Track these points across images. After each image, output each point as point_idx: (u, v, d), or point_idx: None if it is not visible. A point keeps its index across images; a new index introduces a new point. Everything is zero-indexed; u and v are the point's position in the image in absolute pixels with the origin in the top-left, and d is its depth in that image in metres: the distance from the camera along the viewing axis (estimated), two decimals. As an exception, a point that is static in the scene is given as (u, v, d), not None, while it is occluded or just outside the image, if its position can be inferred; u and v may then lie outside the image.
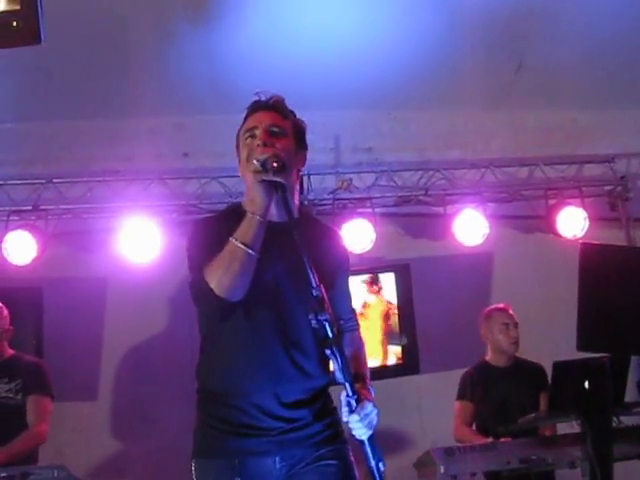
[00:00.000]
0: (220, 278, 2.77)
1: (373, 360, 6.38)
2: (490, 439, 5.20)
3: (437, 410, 6.42)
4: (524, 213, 7.07)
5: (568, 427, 5.25)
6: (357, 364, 3.02)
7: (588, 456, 4.68)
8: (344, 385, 2.70)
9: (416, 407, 6.71)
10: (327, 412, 2.95)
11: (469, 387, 5.73)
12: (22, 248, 6.23)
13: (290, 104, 3.12)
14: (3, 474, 4.63)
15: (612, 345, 5.02)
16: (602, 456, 4.62)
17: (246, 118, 3.09)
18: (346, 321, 3.11)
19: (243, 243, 2.76)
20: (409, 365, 6.50)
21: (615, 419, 4.86)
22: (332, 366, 2.71)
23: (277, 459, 2.87)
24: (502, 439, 5.13)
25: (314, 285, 2.65)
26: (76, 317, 6.45)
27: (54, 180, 6.53)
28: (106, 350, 6.61)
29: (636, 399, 5.33)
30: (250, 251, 2.76)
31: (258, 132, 2.98)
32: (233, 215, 2.98)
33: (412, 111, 6.88)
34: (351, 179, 6.83)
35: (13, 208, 6.44)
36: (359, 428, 2.74)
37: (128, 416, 6.58)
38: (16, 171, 6.59)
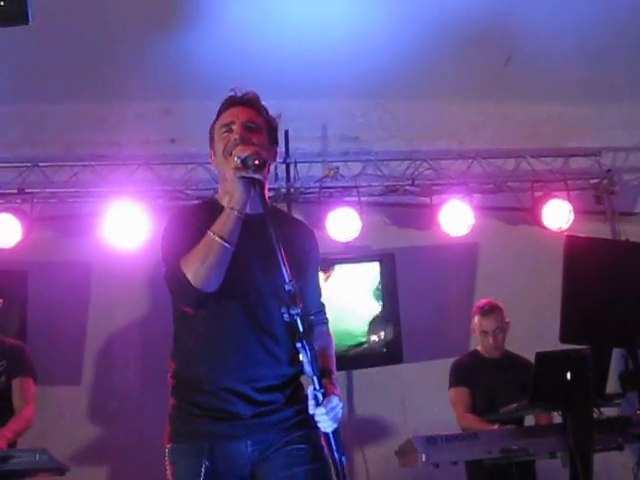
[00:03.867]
0: (197, 269, 2.82)
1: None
2: (497, 426, 5.21)
3: (420, 399, 6.46)
4: (510, 205, 7.09)
5: (550, 418, 5.28)
6: (324, 359, 3.05)
7: (568, 446, 4.69)
8: (312, 379, 2.76)
9: (399, 396, 6.72)
10: (298, 398, 2.99)
11: (463, 373, 5.75)
12: (7, 231, 6.20)
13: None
14: (-16, 457, 4.62)
15: (595, 337, 5.03)
16: (582, 447, 4.63)
17: (220, 113, 3.16)
18: (315, 315, 3.18)
19: (220, 237, 2.82)
20: (392, 354, 6.51)
21: (596, 410, 4.88)
22: (302, 359, 2.77)
23: (249, 443, 2.93)
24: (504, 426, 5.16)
25: (287, 280, 2.70)
26: (60, 301, 6.44)
27: (40, 164, 6.52)
28: (90, 334, 6.59)
29: (617, 391, 5.34)
30: (226, 244, 2.82)
31: (235, 127, 3.05)
32: (208, 208, 3.06)
33: (400, 101, 6.89)
34: (338, 168, 6.83)
35: (-2, 191, 6.42)
36: (325, 421, 2.79)
37: (111, 401, 6.58)
38: (2, 154, 6.58)
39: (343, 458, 2.80)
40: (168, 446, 3.00)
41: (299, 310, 2.69)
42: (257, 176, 2.84)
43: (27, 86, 6.30)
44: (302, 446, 2.96)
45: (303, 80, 6.19)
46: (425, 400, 6.16)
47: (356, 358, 6.47)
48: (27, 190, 6.44)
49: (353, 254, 6.74)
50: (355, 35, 6.11)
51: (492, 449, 4.83)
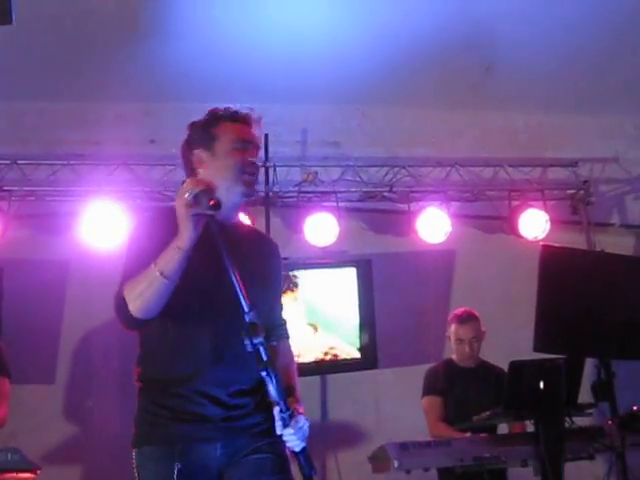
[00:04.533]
0: (134, 299, 2.82)
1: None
2: (468, 434, 5.23)
3: (394, 405, 6.47)
4: (487, 213, 7.13)
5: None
6: (288, 377, 3.07)
7: (540, 455, 4.73)
8: (278, 402, 2.76)
9: (373, 402, 6.74)
10: (265, 405, 2.98)
11: (437, 382, 5.75)
12: (-17, 228, 6.16)
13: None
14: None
15: (568, 347, 5.07)
16: (554, 455, 4.67)
17: (223, 120, 3.12)
18: (276, 328, 3.20)
19: (162, 273, 2.77)
20: (367, 360, 6.52)
21: (568, 419, 4.92)
22: (267, 386, 2.74)
23: (219, 446, 2.94)
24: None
25: (246, 310, 2.70)
26: (36, 300, 6.39)
27: (18, 161, 6.48)
28: (65, 334, 6.56)
29: (589, 401, 5.37)
30: (167, 281, 2.78)
31: (251, 149, 3.09)
32: (172, 215, 2.90)
33: (380, 107, 6.93)
34: (317, 172, 6.84)
35: (-25, 188, 6.39)
36: (293, 440, 2.82)
37: (84, 400, 6.53)
38: (-21, 151, 6.54)
39: (313, 472, 2.82)
40: (135, 450, 2.99)
41: (262, 339, 2.67)
42: (210, 212, 2.76)
43: (6, 83, 6.26)
44: (269, 456, 2.98)
45: (284, 84, 6.19)
46: (399, 406, 6.16)
47: (330, 363, 6.47)
48: (5, 188, 6.39)
49: (330, 259, 6.75)
50: (336, 41, 6.13)
51: (464, 456, 4.86)
